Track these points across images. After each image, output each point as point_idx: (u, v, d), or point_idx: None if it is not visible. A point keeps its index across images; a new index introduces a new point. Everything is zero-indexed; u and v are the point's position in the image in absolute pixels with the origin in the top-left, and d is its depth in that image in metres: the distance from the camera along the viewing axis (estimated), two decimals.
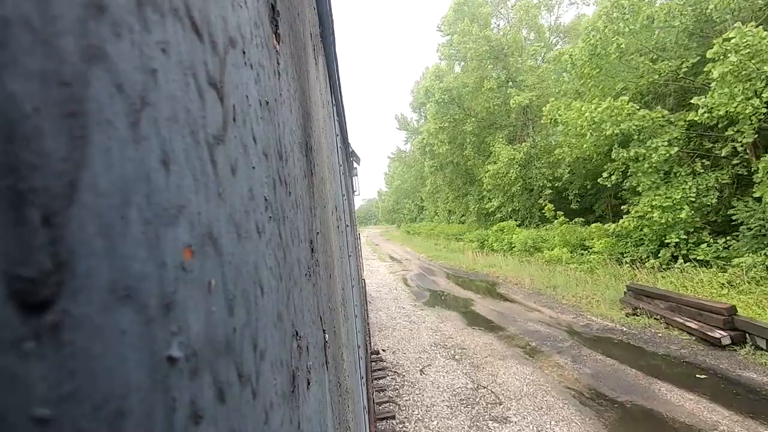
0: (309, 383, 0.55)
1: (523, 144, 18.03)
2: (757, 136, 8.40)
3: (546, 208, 14.66)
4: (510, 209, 18.78)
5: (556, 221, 13.94)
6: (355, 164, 7.35)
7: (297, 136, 0.67)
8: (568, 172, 15.59)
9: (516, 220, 18.26)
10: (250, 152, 0.35)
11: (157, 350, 0.19)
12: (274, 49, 0.52)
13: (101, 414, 0.15)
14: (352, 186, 6.90)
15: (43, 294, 0.14)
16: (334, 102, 2.54)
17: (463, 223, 26.58)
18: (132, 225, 0.18)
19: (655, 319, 7.01)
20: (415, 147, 27.23)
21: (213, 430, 0.23)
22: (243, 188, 0.32)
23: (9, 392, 0.12)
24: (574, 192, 16.06)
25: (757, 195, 8.15)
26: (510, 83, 20.27)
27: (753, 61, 7.43)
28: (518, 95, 17.80)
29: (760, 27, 7.46)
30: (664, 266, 9.55)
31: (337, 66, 2.37)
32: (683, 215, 9.22)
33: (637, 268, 9.87)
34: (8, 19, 0.13)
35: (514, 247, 15.55)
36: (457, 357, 6.34)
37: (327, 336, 0.85)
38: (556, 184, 16.41)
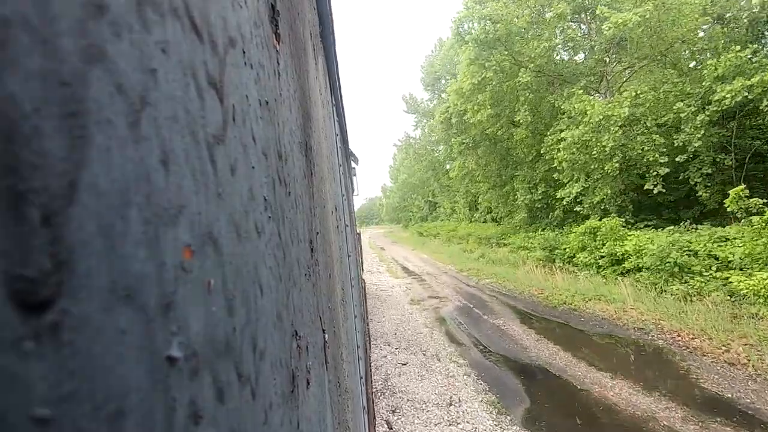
0: (308, 383, 0.55)
1: (624, 93, 10.45)
2: None
3: (732, 194, 7.72)
4: (597, 199, 11.46)
5: (757, 218, 6.96)
6: (353, 164, 7.33)
7: (297, 136, 0.67)
8: (699, 139, 9.40)
9: (596, 215, 11.29)
10: (250, 152, 0.35)
11: (156, 350, 0.19)
12: (274, 49, 0.52)
13: (101, 414, 0.15)
14: (352, 186, 6.90)
15: (42, 294, 0.14)
16: (333, 102, 2.54)
17: (497, 222, 19.83)
18: (132, 225, 0.18)
19: None
20: (436, 121, 19.74)
21: (213, 430, 0.23)
22: (243, 188, 0.32)
23: (9, 392, 0.12)
24: (703, 171, 10.01)
25: None
26: (583, 14, 13.28)
27: None
28: (613, 15, 10.50)
29: None
30: None
31: (337, 66, 2.37)
32: None
33: None
34: (8, 19, 0.13)
35: (623, 259, 8.89)
36: None
37: (326, 336, 0.85)
38: (676, 159, 10.06)
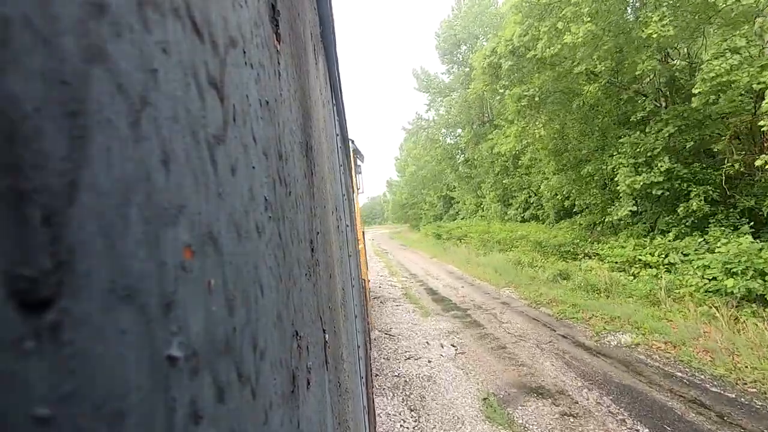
0: (309, 383, 0.55)
1: None
2: None
3: None
4: None
5: None
6: (359, 162, 7.28)
7: (297, 135, 0.67)
8: None
9: None
10: (250, 152, 0.35)
11: (157, 350, 0.19)
12: (275, 48, 0.52)
13: (101, 413, 0.15)
14: (355, 184, 6.88)
15: (43, 293, 0.14)
16: (334, 101, 2.54)
17: (555, 219, 13.85)
18: (132, 224, 0.18)
19: None
20: (477, 66, 12.84)
21: (213, 431, 0.23)
22: (243, 188, 0.32)
23: (9, 392, 0.12)
24: None
25: None
26: None
27: None
28: None
29: None
30: None
31: (337, 65, 2.37)
32: None
33: None
34: (9, 19, 0.13)
35: None
36: None
37: (327, 336, 0.85)
38: None
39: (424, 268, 14.62)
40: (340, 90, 2.87)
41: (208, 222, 0.25)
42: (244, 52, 0.36)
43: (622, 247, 9.27)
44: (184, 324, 0.21)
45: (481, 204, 22.82)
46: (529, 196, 16.69)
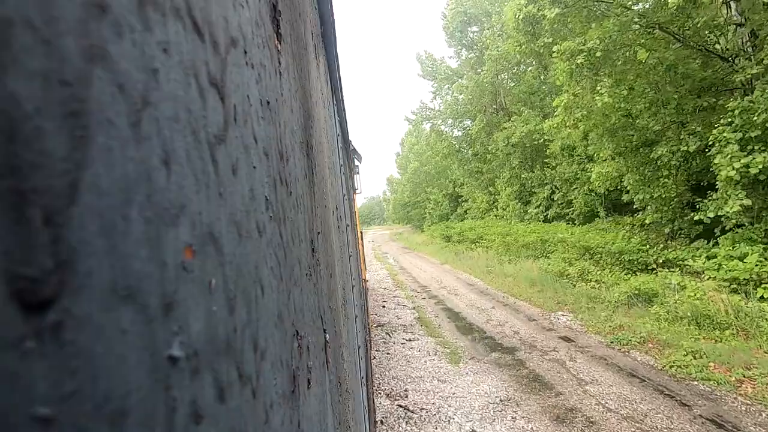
0: (309, 383, 0.55)
1: None
2: None
3: None
4: None
5: None
6: (356, 162, 7.25)
7: (298, 135, 0.67)
8: None
9: None
10: (251, 152, 0.35)
11: (158, 350, 0.19)
12: (276, 48, 0.52)
13: (102, 413, 0.15)
14: (353, 184, 6.87)
15: (44, 293, 0.14)
16: (335, 101, 2.54)
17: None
18: (133, 224, 0.18)
19: None
20: (508, 20, 11.28)
21: (213, 430, 0.23)
22: (244, 188, 0.32)
23: (10, 391, 0.12)
24: None
25: None
26: None
27: None
28: None
29: None
30: None
31: (338, 65, 2.37)
32: None
33: None
34: (10, 19, 0.13)
35: None
36: None
37: (328, 336, 0.85)
38: None
39: (436, 278, 11.82)
40: (341, 89, 2.87)
41: (209, 222, 0.25)
42: (245, 52, 0.36)
43: (732, 257, 6.38)
44: (184, 324, 0.21)
45: (495, 202, 19.58)
46: (552, 192, 13.80)
